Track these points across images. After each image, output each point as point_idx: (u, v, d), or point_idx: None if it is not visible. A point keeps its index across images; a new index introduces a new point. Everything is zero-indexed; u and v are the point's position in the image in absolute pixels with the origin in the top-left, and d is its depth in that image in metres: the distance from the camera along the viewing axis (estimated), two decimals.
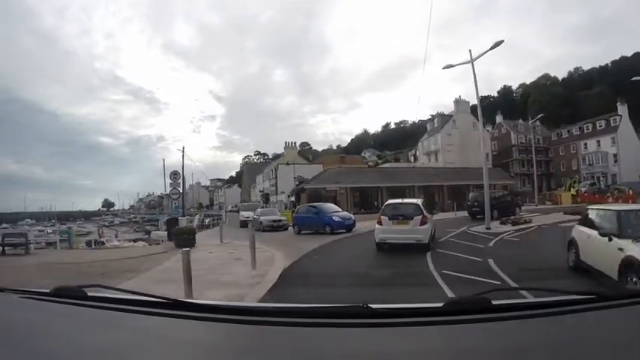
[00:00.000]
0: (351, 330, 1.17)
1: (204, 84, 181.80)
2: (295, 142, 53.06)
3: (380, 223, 11.69)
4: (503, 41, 17.31)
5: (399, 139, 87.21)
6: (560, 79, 78.30)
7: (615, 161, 50.92)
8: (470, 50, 18.45)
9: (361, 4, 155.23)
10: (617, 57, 69.03)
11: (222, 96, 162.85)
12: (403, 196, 35.62)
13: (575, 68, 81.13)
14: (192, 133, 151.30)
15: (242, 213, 26.86)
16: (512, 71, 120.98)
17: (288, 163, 42.13)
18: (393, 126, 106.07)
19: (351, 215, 18.85)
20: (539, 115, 45.83)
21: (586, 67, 76.75)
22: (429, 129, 59.98)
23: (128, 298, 1.53)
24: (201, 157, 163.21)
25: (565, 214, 21.95)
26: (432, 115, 63.53)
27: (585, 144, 55.89)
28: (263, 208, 28.68)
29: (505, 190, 39.08)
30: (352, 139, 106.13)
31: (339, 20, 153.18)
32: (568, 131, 58.53)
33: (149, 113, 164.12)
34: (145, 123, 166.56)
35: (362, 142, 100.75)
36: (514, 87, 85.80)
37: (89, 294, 1.54)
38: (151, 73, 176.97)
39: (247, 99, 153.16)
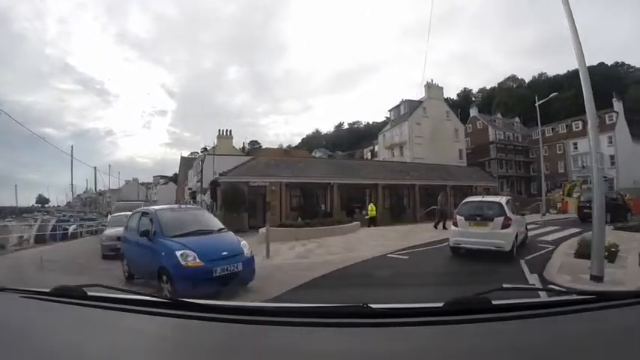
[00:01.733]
0: (351, 330, 1.24)
1: (157, 77, 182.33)
2: (230, 131, 43.64)
3: (455, 224, 11.06)
4: None
5: (353, 139, 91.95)
6: (526, 82, 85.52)
7: (612, 163, 50.08)
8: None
9: (320, 8, 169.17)
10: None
11: (174, 91, 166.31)
12: (362, 198, 31.03)
13: (539, 74, 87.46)
14: (142, 128, 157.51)
15: (107, 233, 14.64)
16: (471, 79, 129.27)
17: (213, 154, 31.91)
18: (346, 126, 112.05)
19: (241, 245, 8.06)
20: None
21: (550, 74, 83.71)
22: (392, 117, 55.87)
23: (128, 298, 1.63)
24: (151, 154, 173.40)
25: None
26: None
27: (575, 143, 55.20)
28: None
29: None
30: (303, 139, 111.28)
31: (297, 22, 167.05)
32: (553, 129, 58.48)
33: (98, 105, 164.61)
34: (94, 115, 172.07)
35: (313, 142, 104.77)
36: (474, 91, 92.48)
37: (89, 294, 1.63)
38: (102, 62, 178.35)
39: (200, 95, 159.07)
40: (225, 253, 7.21)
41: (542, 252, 11.06)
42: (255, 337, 1.23)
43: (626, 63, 78.01)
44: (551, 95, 32.06)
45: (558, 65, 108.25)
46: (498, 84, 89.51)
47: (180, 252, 6.86)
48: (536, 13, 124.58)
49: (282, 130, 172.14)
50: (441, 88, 53.72)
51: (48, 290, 1.70)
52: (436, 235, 15.59)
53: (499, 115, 66.32)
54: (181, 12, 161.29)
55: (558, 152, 55.11)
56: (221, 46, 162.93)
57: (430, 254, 12.09)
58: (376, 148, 62.85)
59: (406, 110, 51.34)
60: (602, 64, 74.10)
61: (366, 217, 24.53)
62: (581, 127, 54.74)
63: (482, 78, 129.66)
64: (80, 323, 1.41)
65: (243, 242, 7.93)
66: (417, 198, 33.14)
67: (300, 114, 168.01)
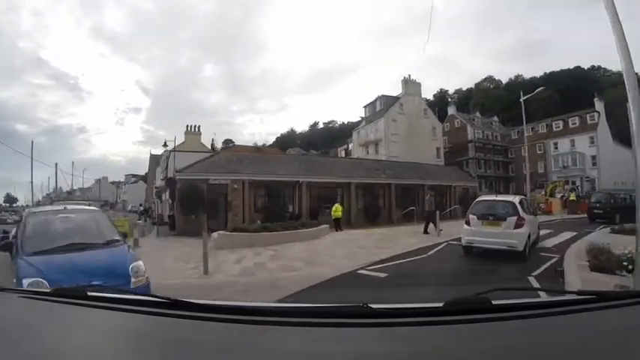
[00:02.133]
0: (351, 330, 1.25)
1: (131, 74, 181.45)
2: (198, 127, 40.92)
3: (468, 223, 11.23)
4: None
5: (328, 139, 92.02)
6: (503, 83, 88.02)
7: (594, 164, 50.67)
8: None
9: (297, 7, 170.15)
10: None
11: (148, 88, 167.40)
12: (333, 198, 28.35)
13: (515, 75, 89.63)
14: (115, 125, 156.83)
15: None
16: (448, 82, 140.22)
17: (171, 150, 32.73)
18: (321, 126, 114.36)
19: (130, 269, 5.68)
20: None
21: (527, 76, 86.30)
22: (367, 114, 54.40)
23: (128, 297, 1.65)
24: (124, 152, 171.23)
25: None
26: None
27: (556, 143, 55.40)
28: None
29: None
30: (277, 138, 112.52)
31: (274, 20, 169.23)
32: (532, 129, 57.59)
33: (71, 101, 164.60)
34: (67, 111, 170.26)
35: (288, 141, 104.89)
36: (450, 92, 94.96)
37: (89, 294, 1.64)
38: (76, 57, 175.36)
39: (175, 93, 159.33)
40: (97, 281, 4.66)
41: (549, 264, 9.78)
42: (255, 337, 1.24)
43: (602, 67, 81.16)
44: (537, 90, 30.68)
45: (534, 68, 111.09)
46: (475, 84, 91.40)
47: (30, 280, 4.83)
48: (513, 18, 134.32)
49: (258, 129, 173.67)
50: (419, 84, 52.72)
51: (48, 290, 1.76)
52: (419, 242, 14.04)
53: (478, 114, 66.66)
54: (158, 7, 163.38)
55: (538, 152, 55.19)
56: (197, 43, 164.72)
57: (415, 269, 9.98)
58: (350, 146, 61.76)
59: (382, 106, 50.18)
60: (578, 67, 78.29)
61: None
62: (561, 127, 55.53)
63: (459, 80, 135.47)
64: (80, 323, 1.43)
65: (136, 263, 5.80)
66: (392, 198, 31.79)
67: (276, 113, 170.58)
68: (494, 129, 65.65)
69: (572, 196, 33.66)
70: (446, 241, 14.01)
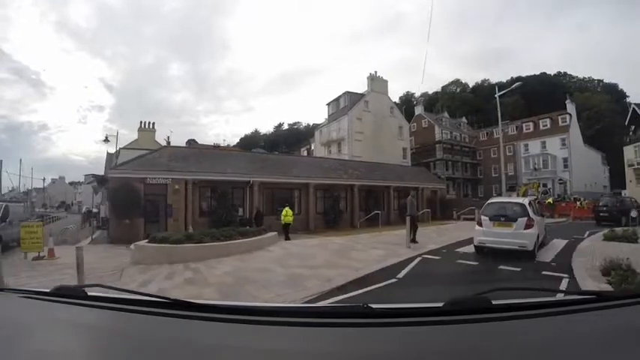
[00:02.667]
0: (351, 330, 1.29)
1: (96, 70, 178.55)
2: (153, 124, 37.61)
3: (480, 224, 12.05)
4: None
5: (292, 140, 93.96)
6: (470, 87, 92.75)
7: (565, 166, 51.59)
8: None
9: (265, 7, 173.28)
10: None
11: (113, 85, 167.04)
12: (289, 199, 26.27)
13: (482, 80, 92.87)
14: (78, 123, 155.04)
15: None
16: (414, 86, 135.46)
17: (122, 147, 27.31)
18: (286, 127, 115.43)
19: None
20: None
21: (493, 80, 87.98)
22: (331, 112, 52.69)
23: (128, 298, 1.66)
24: (86, 151, 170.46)
25: None
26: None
27: (526, 145, 56.14)
28: None
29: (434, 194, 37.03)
30: (242, 138, 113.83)
31: (242, 21, 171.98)
32: (502, 130, 51.95)
33: (33, 97, 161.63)
34: (28, 108, 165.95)
35: (252, 141, 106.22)
36: (417, 95, 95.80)
37: (89, 294, 1.66)
38: (39, 51, 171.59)
39: (139, 91, 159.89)
40: None
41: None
42: (255, 337, 1.27)
43: (568, 73, 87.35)
44: (515, 85, 29.23)
45: (501, 73, 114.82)
46: (442, 87, 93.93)
47: None
48: (480, 26, 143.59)
49: (223, 130, 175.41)
50: (386, 82, 51.41)
51: (48, 290, 1.75)
52: (386, 257, 11.64)
53: (446, 114, 66.85)
54: (125, 2, 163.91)
55: (508, 154, 55.42)
56: (164, 40, 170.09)
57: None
58: (313, 146, 60.27)
59: (346, 103, 48.68)
60: (544, 73, 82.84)
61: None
62: (532, 129, 56.44)
63: (426, 85, 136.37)
64: (80, 323, 1.45)
65: None
66: (355, 200, 30.11)
67: (241, 114, 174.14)
68: (462, 130, 66.18)
69: (550, 200, 33.28)
70: (419, 255, 12.08)
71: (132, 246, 12.63)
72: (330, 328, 1.28)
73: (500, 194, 47.14)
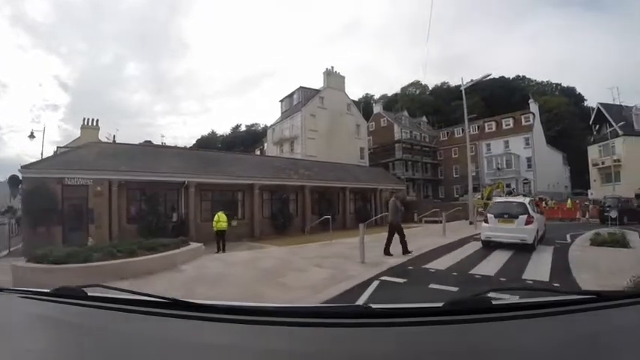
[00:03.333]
0: (351, 330, 1.30)
1: (51, 67, 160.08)
2: (97, 121, 33.57)
3: (486, 221, 13.97)
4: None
5: (250, 142, 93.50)
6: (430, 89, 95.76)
7: (529, 166, 51.70)
8: None
9: (225, 8, 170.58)
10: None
11: (68, 84, 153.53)
12: (232, 203, 24.90)
13: (442, 82, 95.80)
14: (31, 123, 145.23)
15: None
16: (373, 89, 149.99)
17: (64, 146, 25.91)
18: (243, 128, 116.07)
19: None
20: None
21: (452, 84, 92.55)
22: (284, 109, 51.11)
23: (128, 298, 1.68)
24: (39, 153, 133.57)
25: None
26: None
27: (488, 145, 56.12)
28: None
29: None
30: (198, 140, 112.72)
31: (201, 21, 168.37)
32: (463, 130, 57.00)
33: None
34: None
35: (209, 143, 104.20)
36: (376, 97, 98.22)
37: (89, 294, 1.70)
38: None
39: (96, 90, 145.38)
40: None
41: None
42: (255, 337, 1.28)
43: (527, 77, 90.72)
44: (489, 75, 28.08)
45: (460, 77, 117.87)
46: (401, 88, 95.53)
47: None
48: (440, 30, 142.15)
49: (181, 131, 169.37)
50: (343, 78, 50.25)
51: (48, 290, 1.78)
52: (331, 279, 9.08)
53: (405, 113, 66.83)
54: None
55: (470, 154, 52.58)
56: (122, 38, 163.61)
57: None
58: (266, 146, 58.37)
59: (300, 99, 47.18)
60: (502, 77, 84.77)
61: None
62: (494, 128, 57.06)
63: (384, 87, 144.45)
64: (80, 323, 1.46)
65: None
66: (307, 203, 28.77)
67: (199, 115, 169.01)
68: (422, 129, 66.56)
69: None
70: (377, 276, 9.19)
71: (15, 263, 10.11)
72: (330, 328, 1.30)
73: (463, 195, 48.11)
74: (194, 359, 1.16)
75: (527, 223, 12.74)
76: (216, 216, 17.88)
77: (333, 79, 48.09)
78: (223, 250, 16.48)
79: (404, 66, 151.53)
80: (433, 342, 1.21)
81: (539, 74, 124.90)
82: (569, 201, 34.95)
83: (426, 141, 63.84)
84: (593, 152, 46.38)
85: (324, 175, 31.40)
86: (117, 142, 33.77)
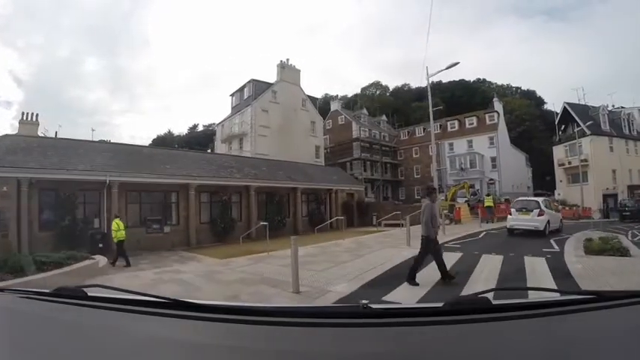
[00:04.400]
0: (351, 330, 1.32)
1: (5, 61, 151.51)
2: (36, 115, 30.85)
3: (511, 213, 19.71)
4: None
5: (207, 142, 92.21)
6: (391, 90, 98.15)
7: (494, 166, 51.40)
8: None
9: (187, 4, 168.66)
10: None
11: (23, 79, 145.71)
12: (163, 206, 22.59)
13: (402, 84, 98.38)
14: None
15: None
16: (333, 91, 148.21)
17: None
18: (201, 128, 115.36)
19: None
20: None
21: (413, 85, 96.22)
22: (234, 103, 49.06)
23: (128, 298, 1.71)
24: None
25: None
26: None
27: (451, 144, 55.68)
28: None
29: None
30: (154, 140, 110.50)
31: (162, 17, 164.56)
32: (424, 129, 58.60)
33: None
34: None
35: (165, 143, 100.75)
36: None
37: (89, 294, 1.73)
38: None
39: (52, 87, 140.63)
40: None
41: None
42: (255, 337, 1.31)
43: (487, 80, 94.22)
44: (457, 63, 26.74)
45: (421, 79, 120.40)
46: (361, 89, 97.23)
47: None
48: (401, 34, 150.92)
49: (139, 131, 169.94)
50: (298, 71, 48.73)
51: (48, 290, 1.81)
52: None
53: (365, 111, 66.62)
54: None
55: (431, 154, 51.92)
56: (82, 32, 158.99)
57: None
58: (216, 144, 55.81)
59: (251, 93, 44.94)
60: (463, 80, 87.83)
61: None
62: (457, 127, 57.03)
63: (345, 88, 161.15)
64: (80, 323, 1.49)
65: None
66: (252, 206, 26.71)
67: (157, 114, 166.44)
68: (382, 128, 66.39)
69: (489, 201, 30.79)
70: None
71: None
72: (329, 328, 1.32)
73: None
74: (194, 359, 1.18)
75: (539, 215, 18.35)
76: (114, 224, 15.37)
77: (288, 72, 46.45)
78: (127, 264, 14.16)
79: (364, 68, 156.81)
80: (433, 342, 1.23)
81: (499, 78, 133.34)
82: None
83: (385, 140, 63.41)
84: (559, 152, 47.11)
85: (273, 174, 29.70)
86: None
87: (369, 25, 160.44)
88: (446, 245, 14.94)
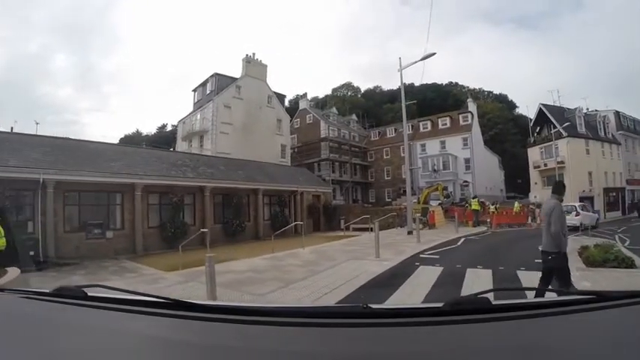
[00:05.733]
0: (351, 330, 1.35)
1: None
2: None
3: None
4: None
5: (173, 142, 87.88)
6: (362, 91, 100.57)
7: (467, 168, 51.07)
8: None
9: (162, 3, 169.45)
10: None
11: None
12: (106, 208, 20.99)
13: (374, 86, 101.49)
14: None
15: None
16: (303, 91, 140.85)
17: None
18: (170, 128, 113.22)
19: None
20: None
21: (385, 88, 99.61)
22: (196, 99, 47.99)
23: (128, 298, 1.73)
24: None
25: None
26: None
27: (423, 145, 55.35)
28: None
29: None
30: (121, 139, 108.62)
31: (137, 14, 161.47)
32: (395, 130, 59.00)
33: None
34: None
35: (133, 143, 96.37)
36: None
37: (89, 294, 1.74)
38: None
39: (20, 83, 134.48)
40: None
41: None
42: (255, 337, 1.32)
43: (459, 83, 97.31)
44: (433, 54, 25.59)
45: (394, 82, 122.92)
46: (332, 89, 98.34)
47: None
48: (374, 38, 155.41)
49: (109, 130, 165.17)
50: (265, 67, 47.83)
51: (48, 291, 1.83)
52: None
53: (334, 110, 66.83)
54: None
55: (402, 155, 51.52)
56: (52, 27, 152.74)
57: None
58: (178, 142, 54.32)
59: (213, 88, 43.70)
60: (435, 83, 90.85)
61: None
62: (429, 128, 56.89)
63: (316, 90, 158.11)
64: (80, 324, 1.50)
65: None
66: (207, 209, 24.83)
67: (125, 113, 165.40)
68: (352, 128, 65.91)
69: (475, 204, 30.09)
70: None
71: None
72: (330, 328, 1.34)
73: (395, 199, 48.60)
74: (194, 359, 1.19)
75: (576, 215, 25.51)
76: None
77: (253, 67, 45.37)
78: None
79: (337, 70, 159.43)
80: (433, 342, 1.24)
81: (471, 82, 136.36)
82: (516, 204, 34.06)
83: (355, 141, 62.92)
84: (535, 154, 47.46)
85: (232, 174, 28.07)
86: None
87: (342, 27, 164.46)
88: (422, 256, 14.22)
